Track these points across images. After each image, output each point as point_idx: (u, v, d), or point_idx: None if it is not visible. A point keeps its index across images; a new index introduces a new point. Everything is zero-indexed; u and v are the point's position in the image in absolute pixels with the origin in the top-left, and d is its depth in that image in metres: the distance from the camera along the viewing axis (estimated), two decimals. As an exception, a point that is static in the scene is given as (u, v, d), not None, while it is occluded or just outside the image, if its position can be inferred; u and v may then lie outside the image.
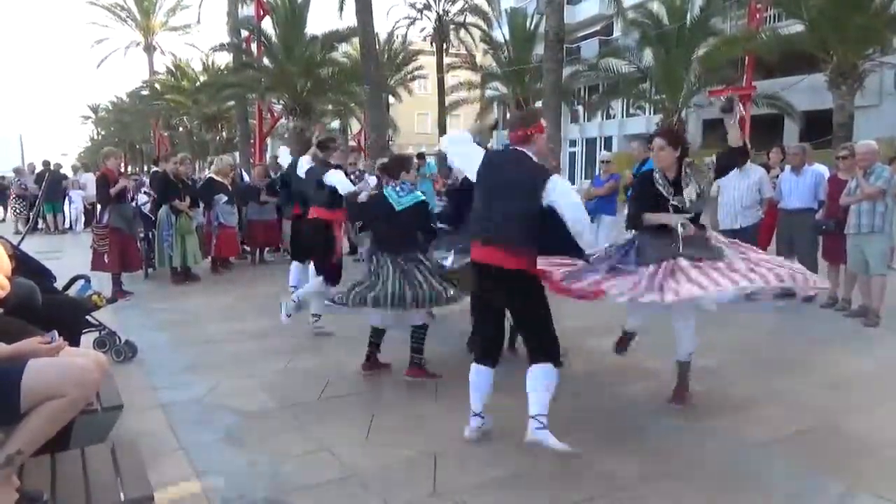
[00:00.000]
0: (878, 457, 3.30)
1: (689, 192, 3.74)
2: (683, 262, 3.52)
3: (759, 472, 3.14)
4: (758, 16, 17.88)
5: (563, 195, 3.25)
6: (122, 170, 8.64)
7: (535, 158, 3.39)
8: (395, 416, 3.89)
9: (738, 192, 6.63)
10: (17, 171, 17.14)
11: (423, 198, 4.67)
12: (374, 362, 4.63)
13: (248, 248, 10.31)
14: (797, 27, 16.13)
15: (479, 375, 3.46)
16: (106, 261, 7.48)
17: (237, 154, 23.38)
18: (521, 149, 3.41)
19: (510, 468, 3.19)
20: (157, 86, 37.31)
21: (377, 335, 4.62)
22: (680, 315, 3.78)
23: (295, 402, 4.14)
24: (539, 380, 3.30)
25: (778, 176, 7.18)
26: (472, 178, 3.58)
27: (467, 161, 3.65)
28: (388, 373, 4.61)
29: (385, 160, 4.95)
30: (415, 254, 4.48)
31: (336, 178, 5.55)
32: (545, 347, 3.35)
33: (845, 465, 3.20)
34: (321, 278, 5.65)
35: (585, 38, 30.89)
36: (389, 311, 4.31)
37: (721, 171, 3.88)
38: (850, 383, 4.42)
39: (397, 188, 4.57)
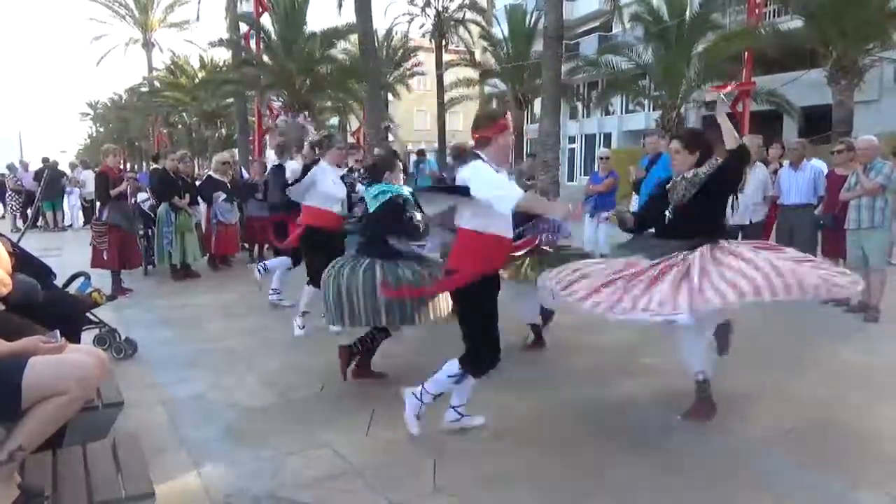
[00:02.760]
0: (879, 452, 3.31)
1: None
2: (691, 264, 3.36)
3: (760, 468, 3.15)
4: (757, 11, 17.83)
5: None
6: (122, 167, 8.60)
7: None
8: (395, 411, 3.87)
9: (749, 189, 6.56)
10: (10, 167, 17.17)
11: (396, 194, 4.28)
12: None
13: (247, 246, 10.31)
14: (797, 22, 16.10)
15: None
16: (106, 258, 7.48)
17: (236, 151, 23.34)
18: (476, 152, 3.34)
19: (510, 464, 3.20)
20: (155, 82, 37.27)
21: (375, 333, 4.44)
22: (690, 329, 3.39)
23: (295, 398, 4.15)
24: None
25: (776, 171, 7.18)
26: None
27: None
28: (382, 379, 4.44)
29: (380, 155, 4.77)
30: (389, 258, 4.11)
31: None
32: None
33: (846, 460, 3.20)
34: (310, 288, 5.58)
35: (585, 34, 30.81)
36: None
37: (735, 184, 3.71)
38: (851, 379, 4.42)
39: (373, 189, 4.33)
